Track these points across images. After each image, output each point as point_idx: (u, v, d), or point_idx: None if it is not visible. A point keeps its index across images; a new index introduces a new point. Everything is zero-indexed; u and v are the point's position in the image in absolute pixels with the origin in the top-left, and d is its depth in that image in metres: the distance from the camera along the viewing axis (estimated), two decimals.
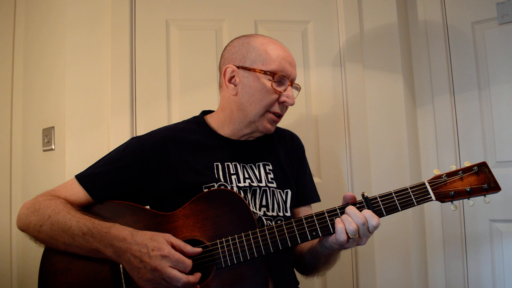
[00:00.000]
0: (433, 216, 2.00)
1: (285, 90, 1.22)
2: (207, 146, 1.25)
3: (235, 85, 1.24)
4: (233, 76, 1.24)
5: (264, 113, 1.23)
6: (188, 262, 1.01)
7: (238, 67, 1.23)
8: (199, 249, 1.05)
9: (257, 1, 1.96)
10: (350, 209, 1.04)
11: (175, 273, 0.98)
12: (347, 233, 1.01)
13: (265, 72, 1.20)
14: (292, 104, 1.23)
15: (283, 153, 1.35)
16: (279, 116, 1.26)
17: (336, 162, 1.95)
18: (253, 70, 1.21)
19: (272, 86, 1.19)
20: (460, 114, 1.98)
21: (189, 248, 1.03)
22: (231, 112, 1.26)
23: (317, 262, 1.22)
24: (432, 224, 2.00)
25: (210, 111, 1.38)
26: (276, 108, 1.23)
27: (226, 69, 1.25)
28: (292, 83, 1.24)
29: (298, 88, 1.30)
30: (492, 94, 1.90)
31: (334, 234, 1.04)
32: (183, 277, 0.98)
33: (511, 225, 1.83)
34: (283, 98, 1.22)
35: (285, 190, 1.29)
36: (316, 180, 1.46)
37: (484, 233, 1.88)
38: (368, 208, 1.05)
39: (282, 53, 1.23)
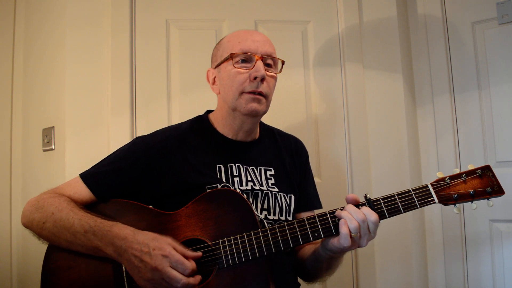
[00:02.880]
0: (433, 216, 2.00)
1: (254, 66, 1.18)
2: (210, 147, 1.26)
3: (217, 85, 1.28)
4: (214, 77, 1.28)
5: (239, 96, 1.20)
6: (188, 264, 1.00)
7: (214, 68, 1.28)
8: (199, 253, 1.05)
9: (257, 1, 1.96)
10: (350, 206, 1.05)
11: (175, 273, 0.98)
12: (351, 235, 1.01)
13: (226, 59, 1.21)
14: (261, 76, 1.17)
15: (288, 158, 1.35)
16: (259, 93, 1.20)
17: (336, 162, 1.95)
18: (221, 63, 1.23)
19: (234, 66, 1.19)
20: (460, 114, 1.98)
21: (189, 252, 1.03)
22: (221, 110, 1.27)
23: (319, 266, 1.21)
24: (432, 224, 2.00)
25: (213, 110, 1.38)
26: (248, 87, 1.19)
27: (207, 73, 1.30)
28: (262, 57, 1.20)
29: (276, 62, 1.24)
30: (492, 94, 1.90)
31: (337, 238, 1.04)
32: (183, 278, 0.98)
33: (511, 225, 1.83)
34: (253, 74, 1.18)
35: (289, 195, 1.29)
36: (316, 180, 1.46)
37: (484, 233, 1.88)
38: (370, 209, 1.05)
39: (243, 34, 1.23)
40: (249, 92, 1.19)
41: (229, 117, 1.25)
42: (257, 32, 1.26)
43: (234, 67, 1.19)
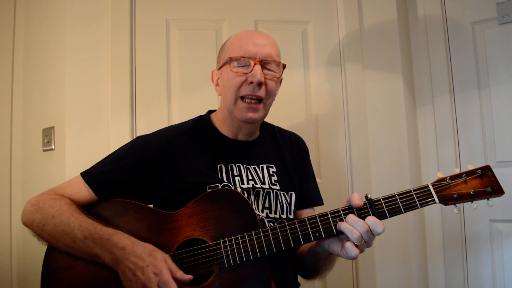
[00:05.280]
0: (433, 216, 2.00)
1: (251, 71, 1.18)
2: (211, 147, 1.26)
3: (220, 86, 1.29)
4: (218, 79, 1.29)
5: (235, 100, 1.20)
6: (173, 286, 0.98)
7: (218, 70, 1.28)
8: (189, 277, 1.01)
9: (257, 1, 1.96)
10: (350, 218, 1.03)
11: None
12: (356, 245, 1.01)
13: (226, 61, 1.22)
14: (257, 81, 1.17)
15: (288, 155, 1.35)
16: (256, 98, 1.19)
17: (336, 162, 1.95)
18: (223, 65, 1.24)
19: (232, 70, 1.19)
20: (460, 114, 1.98)
21: (179, 273, 1.01)
22: (222, 112, 1.28)
23: (317, 263, 1.21)
24: (432, 224, 2.00)
25: (215, 110, 1.38)
26: (244, 90, 1.19)
27: (212, 74, 1.32)
28: (261, 61, 1.19)
29: (278, 65, 1.23)
30: (492, 94, 1.91)
31: (343, 249, 1.04)
32: None
33: (511, 225, 1.83)
34: (249, 79, 1.18)
35: (289, 193, 1.29)
36: (316, 180, 1.46)
37: (484, 233, 1.88)
38: (371, 210, 1.04)
39: (244, 37, 1.22)
40: (245, 99, 1.19)
41: (228, 119, 1.26)
42: (260, 34, 1.24)
43: (232, 71, 1.19)
